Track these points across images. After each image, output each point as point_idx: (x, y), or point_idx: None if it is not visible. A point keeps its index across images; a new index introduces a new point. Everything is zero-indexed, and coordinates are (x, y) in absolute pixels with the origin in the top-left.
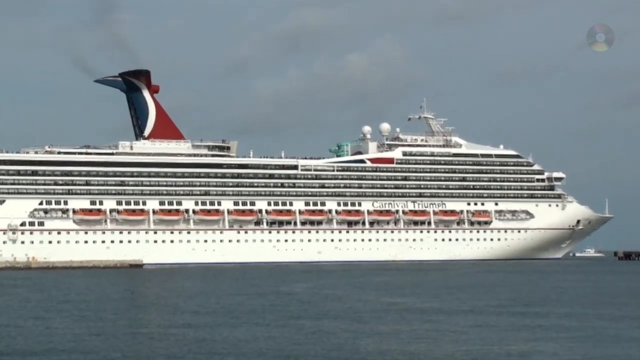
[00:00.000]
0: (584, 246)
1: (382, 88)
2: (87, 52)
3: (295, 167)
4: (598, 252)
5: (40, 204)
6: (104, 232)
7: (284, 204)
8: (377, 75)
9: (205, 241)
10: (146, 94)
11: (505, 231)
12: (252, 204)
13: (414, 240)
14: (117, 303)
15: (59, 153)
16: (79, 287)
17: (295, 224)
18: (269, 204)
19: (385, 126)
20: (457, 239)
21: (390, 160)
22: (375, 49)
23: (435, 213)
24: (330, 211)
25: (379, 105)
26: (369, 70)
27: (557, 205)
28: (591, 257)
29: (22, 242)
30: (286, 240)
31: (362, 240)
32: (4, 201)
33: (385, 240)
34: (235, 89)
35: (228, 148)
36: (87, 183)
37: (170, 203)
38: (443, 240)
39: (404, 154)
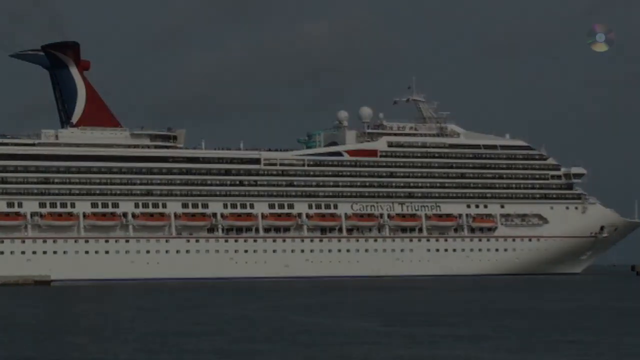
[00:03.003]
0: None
1: (345, 62)
2: None
3: (257, 161)
4: None
5: None
6: (23, 241)
7: (243, 206)
8: (338, 46)
9: (148, 252)
10: (74, 71)
11: (514, 240)
12: (205, 206)
13: (401, 250)
14: None
15: None
16: None
17: (257, 230)
18: (225, 206)
19: (366, 111)
20: (454, 250)
21: (372, 153)
22: (337, 15)
23: (428, 217)
24: (299, 215)
25: (342, 85)
26: (329, 41)
27: (576, 208)
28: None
29: None
30: (246, 251)
31: (339, 250)
32: None
33: (366, 250)
34: (171, 64)
35: (175, 138)
36: (3, 180)
37: (105, 205)
38: (437, 250)
39: (390, 144)
